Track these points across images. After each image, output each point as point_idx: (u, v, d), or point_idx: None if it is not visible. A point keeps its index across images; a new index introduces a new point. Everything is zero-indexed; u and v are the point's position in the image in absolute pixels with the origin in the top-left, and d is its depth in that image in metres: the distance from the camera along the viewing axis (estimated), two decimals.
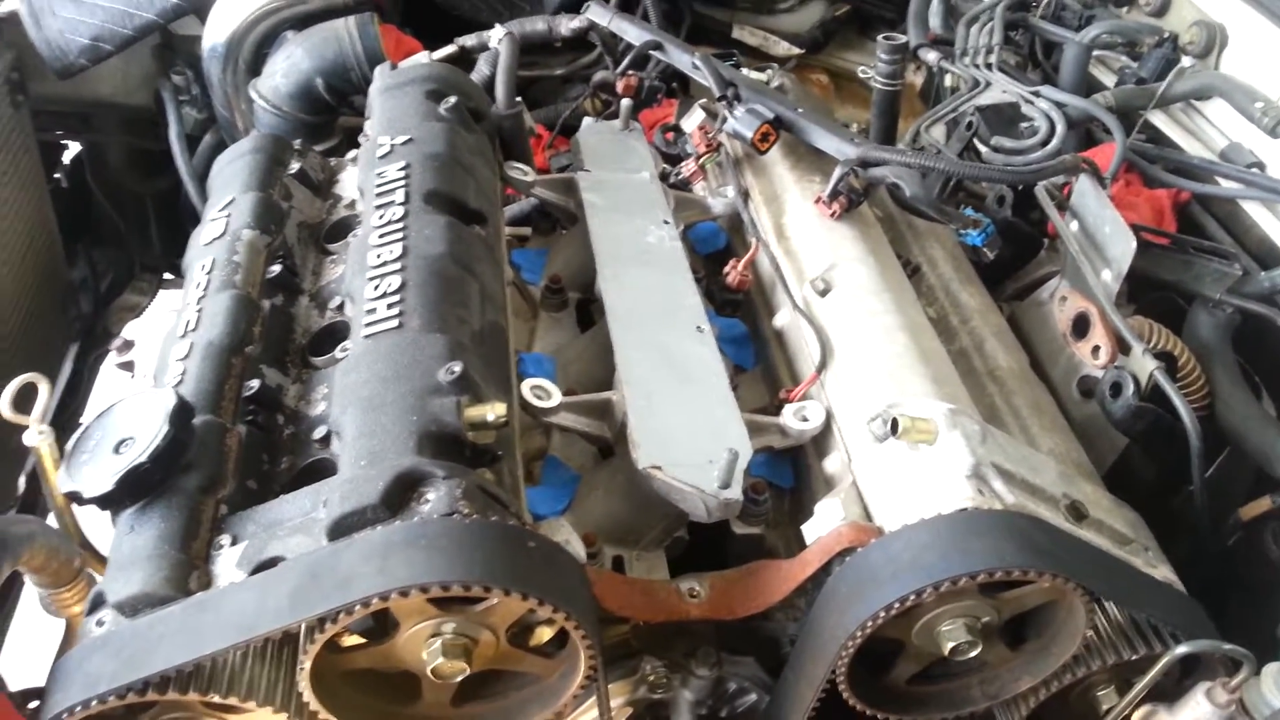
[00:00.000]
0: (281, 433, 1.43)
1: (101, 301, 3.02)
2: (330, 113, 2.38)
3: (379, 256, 1.46)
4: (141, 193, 2.97)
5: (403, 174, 1.60)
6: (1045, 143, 1.98)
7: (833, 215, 1.73)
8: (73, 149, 3.04)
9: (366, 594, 1.03)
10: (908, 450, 1.34)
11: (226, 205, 1.70)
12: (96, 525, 1.51)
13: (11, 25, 2.49)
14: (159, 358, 1.52)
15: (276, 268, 1.61)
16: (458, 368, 1.26)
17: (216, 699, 1.10)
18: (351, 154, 1.95)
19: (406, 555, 1.05)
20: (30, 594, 1.78)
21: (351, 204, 1.81)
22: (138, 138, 2.86)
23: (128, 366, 1.83)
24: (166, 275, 3.18)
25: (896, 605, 1.16)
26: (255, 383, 1.41)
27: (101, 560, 1.44)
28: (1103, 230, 1.70)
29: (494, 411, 1.23)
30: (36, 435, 1.40)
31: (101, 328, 3.01)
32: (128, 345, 1.82)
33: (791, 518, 1.54)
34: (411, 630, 1.12)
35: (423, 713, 1.22)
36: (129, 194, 2.97)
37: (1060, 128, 1.98)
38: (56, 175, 2.98)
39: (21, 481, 2.56)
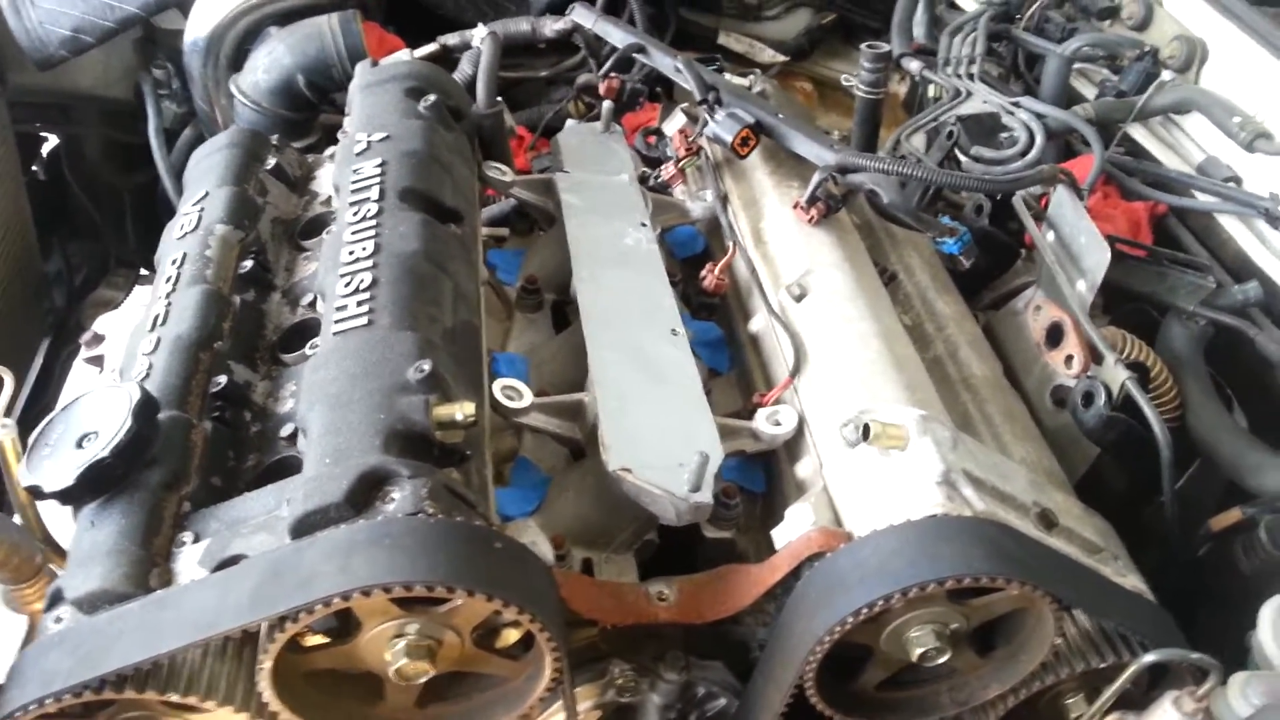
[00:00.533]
0: (249, 429, 1.42)
1: (75, 296, 2.99)
2: (311, 110, 2.37)
3: (351, 253, 1.45)
4: (119, 186, 2.95)
5: (379, 171, 1.59)
6: (1024, 153, 1.98)
7: (810, 221, 1.73)
8: (50, 142, 3.02)
9: (328, 593, 1.02)
10: (879, 456, 1.33)
11: (201, 199, 1.69)
12: (59, 521, 1.49)
13: None
14: (126, 351, 1.51)
15: (249, 263, 1.60)
16: (427, 366, 1.25)
17: (175, 698, 1.09)
18: (329, 151, 1.94)
19: (369, 554, 1.04)
20: None
21: (327, 201, 1.80)
22: (116, 131, 2.84)
23: (97, 361, 1.82)
24: (142, 270, 3.15)
25: (864, 611, 1.15)
26: (223, 379, 1.40)
27: (64, 556, 1.42)
28: (1078, 241, 1.71)
29: (463, 411, 1.22)
30: (1, 430, 1.38)
31: (75, 322, 2.98)
32: (97, 339, 1.80)
33: (762, 522, 1.53)
34: (375, 631, 1.11)
35: (386, 714, 1.21)
36: (106, 187, 2.94)
37: (1040, 139, 1.98)
38: (34, 168, 2.95)
39: None
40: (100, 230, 2.98)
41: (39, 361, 2.86)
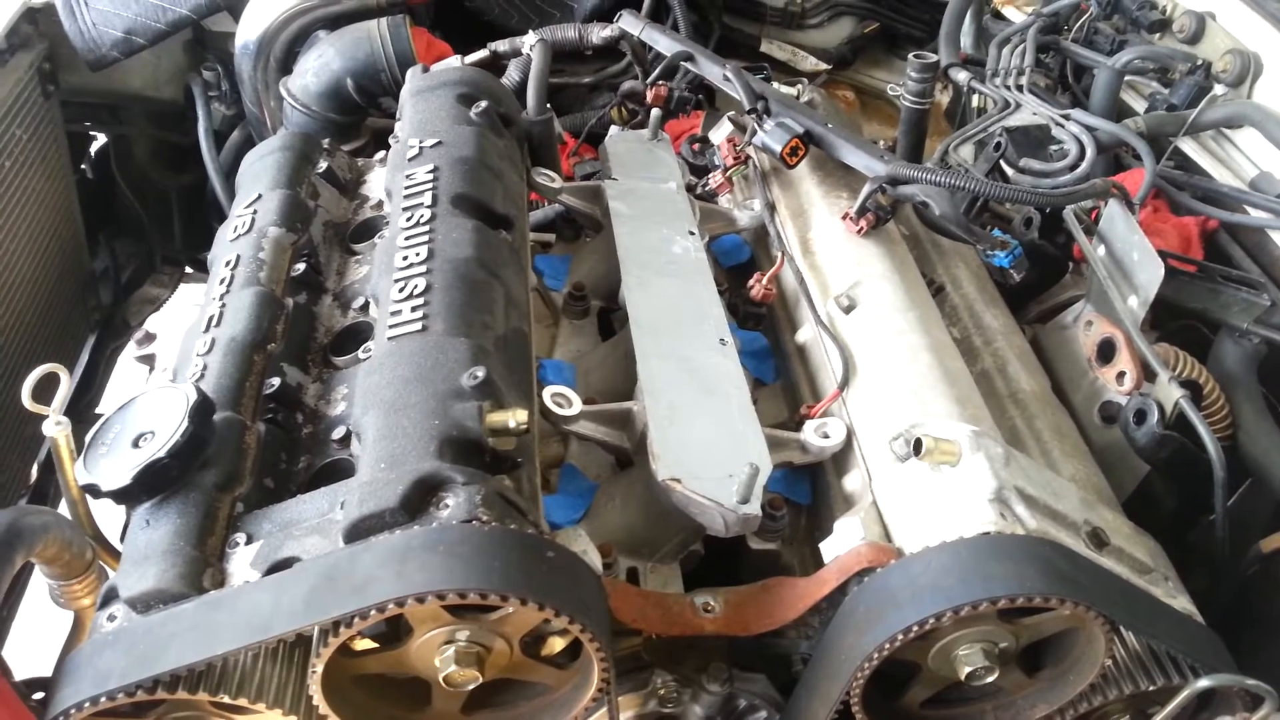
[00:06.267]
0: (300, 431, 1.42)
1: (121, 293, 3.03)
2: (359, 113, 2.39)
3: (405, 259, 1.46)
4: (166, 186, 2.98)
5: (431, 177, 1.60)
6: (1074, 166, 1.96)
7: (859, 232, 1.72)
8: (99, 140, 3.05)
9: (383, 599, 1.02)
10: (930, 471, 1.33)
11: (253, 202, 1.70)
12: (109, 518, 1.51)
13: (46, 15, 2.51)
14: (180, 352, 1.53)
15: (301, 266, 1.61)
16: (481, 373, 1.26)
17: (226, 699, 1.10)
18: (379, 155, 1.95)
19: (424, 560, 1.05)
20: (36, 584, 1.78)
21: (378, 205, 1.81)
22: (165, 131, 2.87)
23: (148, 360, 1.83)
24: (187, 269, 3.19)
25: (915, 629, 1.15)
26: (276, 380, 1.41)
27: (114, 554, 1.44)
28: (1130, 256, 1.69)
29: (515, 418, 1.22)
30: (54, 426, 1.39)
31: (120, 319, 3.01)
32: (149, 338, 1.81)
33: (808, 535, 1.53)
34: (425, 637, 1.11)
35: None
36: (153, 187, 2.98)
37: (1090, 151, 1.96)
38: (82, 166, 2.99)
39: (34, 471, 2.56)
40: (146, 229, 3.02)
41: (85, 357, 2.89)
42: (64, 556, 1.36)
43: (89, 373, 2.90)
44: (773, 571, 1.43)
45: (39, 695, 1.19)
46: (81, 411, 2.73)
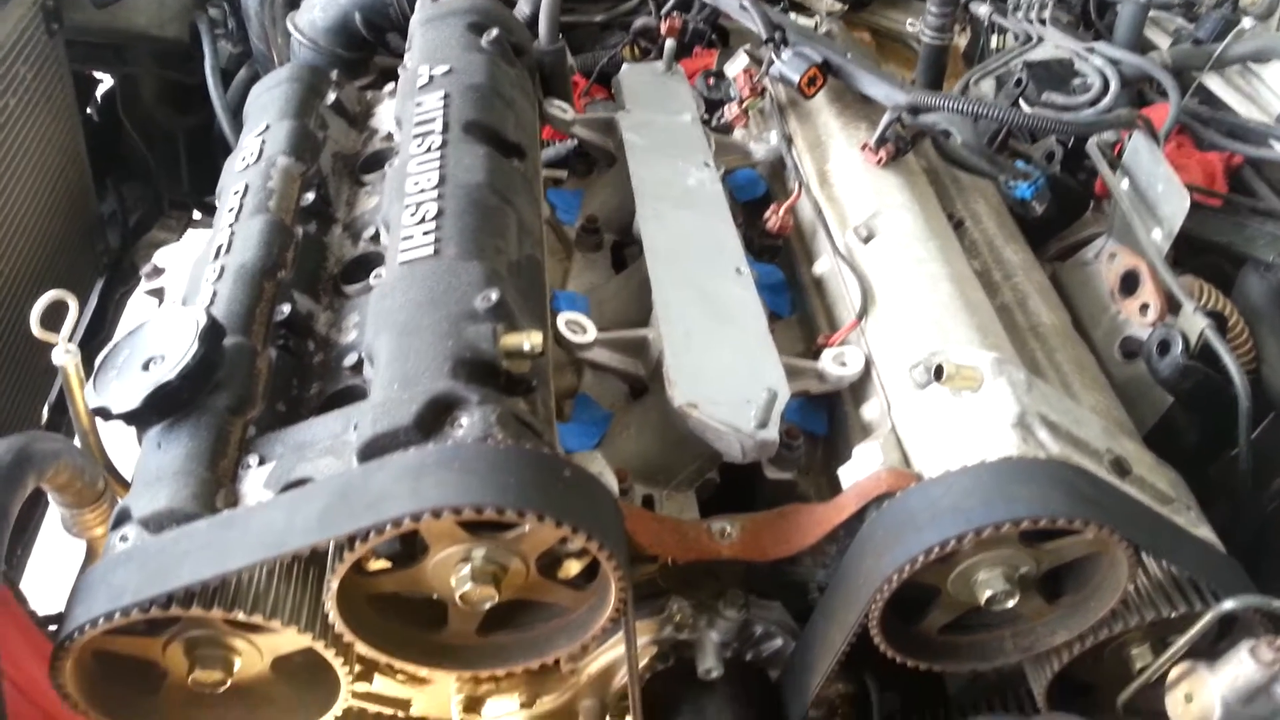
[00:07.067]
0: (311, 359, 1.41)
1: (129, 237, 3.01)
2: (367, 49, 2.35)
3: (416, 184, 1.43)
4: (172, 128, 2.95)
5: (442, 104, 1.57)
6: (1097, 101, 1.93)
7: (878, 162, 1.69)
8: (105, 84, 3.02)
9: (398, 514, 1.01)
10: (950, 397, 1.31)
11: (262, 132, 1.68)
12: (120, 452, 1.51)
13: None
14: (190, 280, 1.51)
15: (311, 195, 1.59)
16: (494, 295, 1.24)
17: (240, 616, 1.08)
18: (388, 88, 1.92)
19: (439, 477, 1.03)
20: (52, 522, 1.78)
21: (388, 137, 1.78)
22: (171, 71, 2.84)
23: (157, 293, 1.82)
24: (195, 214, 3.16)
25: (936, 549, 1.13)
26: (286, 307, 1.40)
27: (125, 485, 1.43)
28: (1155, 188, 1.66)
29: (530, 341, 1.20)
30: (64, 354, 1.38)
31: (129, 263, 2.99)
32: (157, 271, 1.79)
33: (824, 466, 1.51)
34: (441, 555, 1.10)
35: (448, 641, 1.21)
36: (159, 129, 2.95)
37: (1114, 85, 1.92)
38: (88, 110, 2.96)
39: (44, 413, 2.56)
40: (154, 172, 2.99)
41: (93, 301, 2.88)
42: (76, 484, 1.35)
43: (98, 316, 2.89)
44: (788, 502, 1.41)
45: (55, 629, 1.19)
46: (90, 355, 2.72)
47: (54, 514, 1.51)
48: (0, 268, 2.26)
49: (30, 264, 2.40)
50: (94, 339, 2.85)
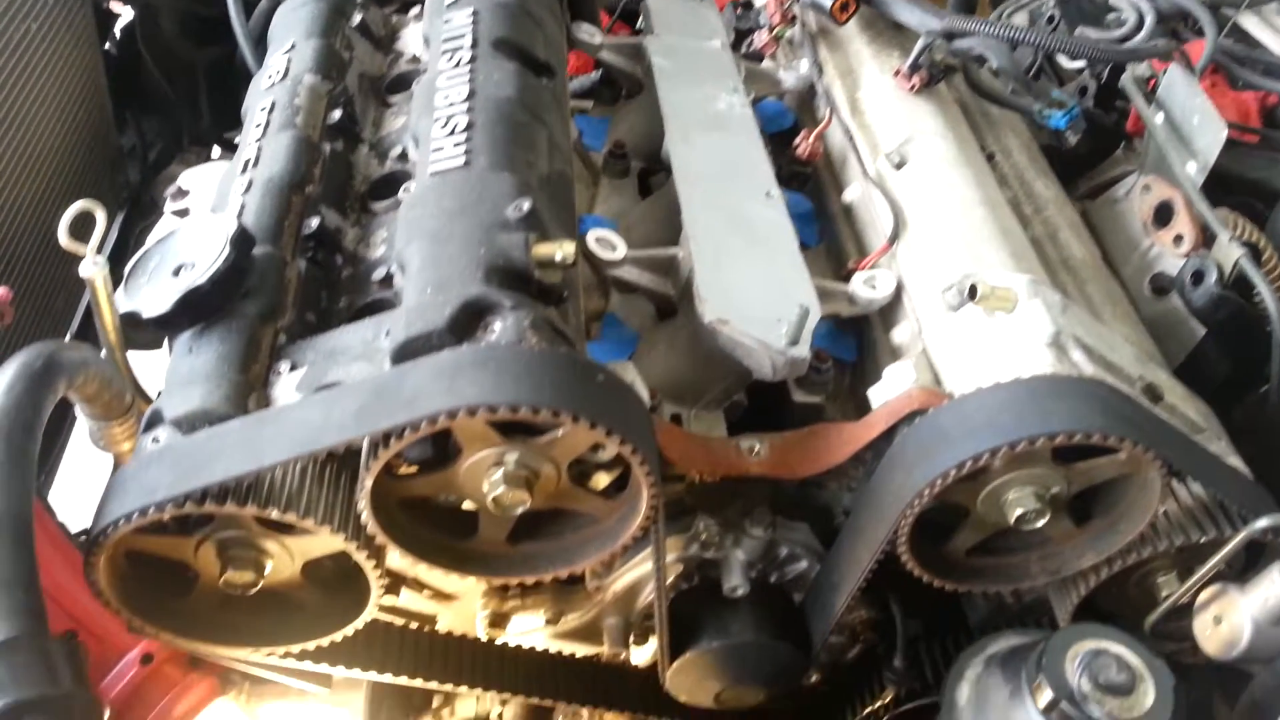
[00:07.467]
0: (340, 273, 1.40)
1: (149, 172, 2.99)
2: None
3: (446, 98, 1.42)
4: (192, 61, 2.92)
5: (470, 20, 1.55)
6: (1130, 37, 1.89)
7: (911, 89, 1.67)
8: (124, 19, 2.99)
9: (433, 411, 1.00)
10: (984, 318, 1.30)
11: (288, 50, 1.67)
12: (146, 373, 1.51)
13: None
14: (217, 193, 1.50)
15: (337, 113, 1.57)
16: (526, 204, 1.23)
17: (274, 514, 1.08)
18: (414, 10, 1.90)
19: (475, 376, 1.03)
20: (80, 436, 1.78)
21: (413, 60, 1.77)
22: (191, 2, 2.81)
23: (183, 215, 1.81)
24: (215, 150, 3.14)
25: (969, 464, 1.12)
26: (315, 221, 1.39)
27: (150, 401, 1.44)
28: (1190, 121, 1.64)
29: (563, 250, 1.19)
30: (92, 265, 1.38)
31: (149, 198, 2.98)
32: (182, 193, 1.78)
33: (852, 391, 1.51)
34: (474, 458, 1.10)
35: (478, 548, 1.21)
36: (179, 62, 2.91)
37: (1150, 20, 1.88)
38: (107, 46, 2.93)
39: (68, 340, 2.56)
40: (174, 106, 2.96)
41: (114, 235, 2.87)
42: (104, 396, 1.35)
43: (118, 250, 2.88)
44: None
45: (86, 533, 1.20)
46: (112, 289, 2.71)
47: (80, 433, 1.52)
48: (22, 194, 2.25)
49: (53, 188, 2.39)
50: (114, 271, 2.84)
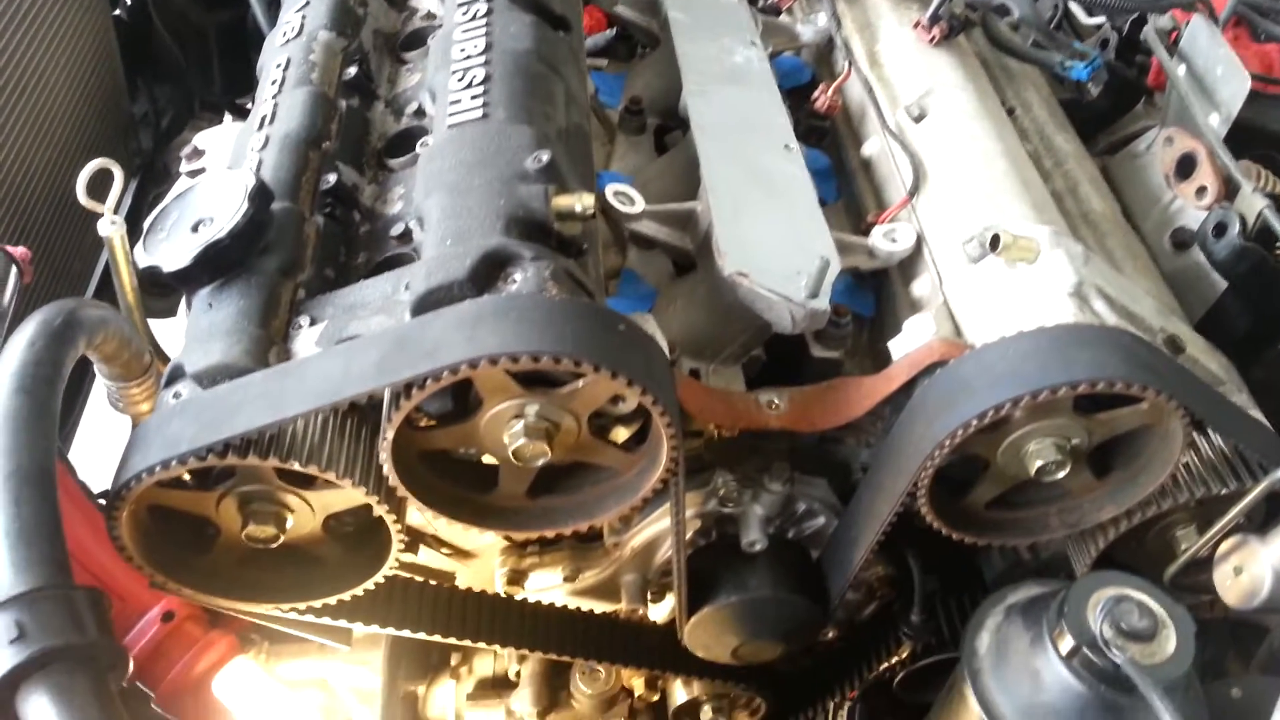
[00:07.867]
0: (358, 229, 1.40)
1: (161, 139, 2.98)
2: None
3: (463, 51, 1.41)
4: (204, 25, 2.91)
5: None
6: None
7: (931, 41, 1.65)
8: None
9: (455, 360, 1.00)
10: (1005, 269, 1.29)
11: (302, 7, 1.65)
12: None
13: None
14: (234, 150, 1.50)
15: (353, 70, 1.56)
16: (545, 156, 1.22)
17: (296, 466, 1.09)
18: None
19: (496, 325, 1.02)
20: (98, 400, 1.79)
21: (427, 16, 1.75)
22: None
23: (198, 175, 1.81)
24: (227, 116, 3.14)
25: (991, 413, 1.12)
26: (332, 176, 1.38)
27: (168, 361, 1.44)
28: (1214, 72, 1.62)
29: (582, 202, 1.19)
30: (110, 224, 1.38)
31: (161, 165, 2.98)
32: (198, 153, 1.78)
33: (870, 347, 1.50)
34: (495, 410, 1.10)
35: (498, 502, 1.21)
36: (191, 27, 2.90)
37: None
38: (118, 12, 2.92)
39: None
40: (185, 72, 2.95)
41: (127, 202, 2.87)
42: (123, 355, 1.35)
43: (132, 216, 2.88)
44: None
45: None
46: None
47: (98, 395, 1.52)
48: (37, 160, 2.25)
49: (66, 153, 2.39)
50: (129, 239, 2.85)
